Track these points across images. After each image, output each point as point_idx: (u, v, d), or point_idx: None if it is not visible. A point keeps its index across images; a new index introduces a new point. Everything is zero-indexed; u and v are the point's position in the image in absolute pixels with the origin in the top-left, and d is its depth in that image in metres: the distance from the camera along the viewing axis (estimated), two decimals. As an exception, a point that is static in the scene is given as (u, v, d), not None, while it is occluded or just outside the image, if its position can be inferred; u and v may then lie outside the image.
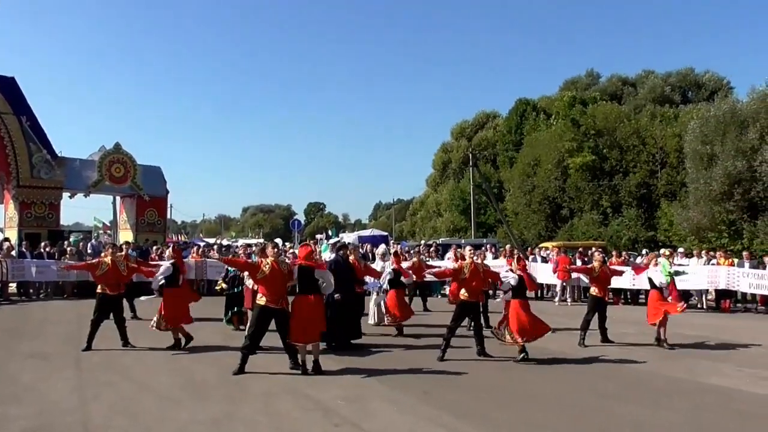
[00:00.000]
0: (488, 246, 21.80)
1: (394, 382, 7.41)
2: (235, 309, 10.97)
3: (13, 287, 16.95)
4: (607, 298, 10.68)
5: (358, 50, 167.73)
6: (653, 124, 34.62)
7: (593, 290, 10.39)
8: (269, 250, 8.22)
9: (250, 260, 9.82)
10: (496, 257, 18.67)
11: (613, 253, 18.39)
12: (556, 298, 17.51)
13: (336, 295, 9.31)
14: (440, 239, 35.25)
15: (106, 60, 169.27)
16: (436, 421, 5.93)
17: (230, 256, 14.58)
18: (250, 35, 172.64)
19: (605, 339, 10.30)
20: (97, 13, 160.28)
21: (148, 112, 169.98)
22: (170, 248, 11.08)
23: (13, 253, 16.92)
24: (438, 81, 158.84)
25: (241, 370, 7.55)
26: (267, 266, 7.74)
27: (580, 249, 19.53)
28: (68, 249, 17.73)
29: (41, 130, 20.64)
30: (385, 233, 39.16)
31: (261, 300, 7.77)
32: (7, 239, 18.68)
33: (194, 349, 9.27)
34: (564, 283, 17.14)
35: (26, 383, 7.12)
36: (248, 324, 8.18)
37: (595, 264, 10.50)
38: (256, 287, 8.13)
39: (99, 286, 9.41)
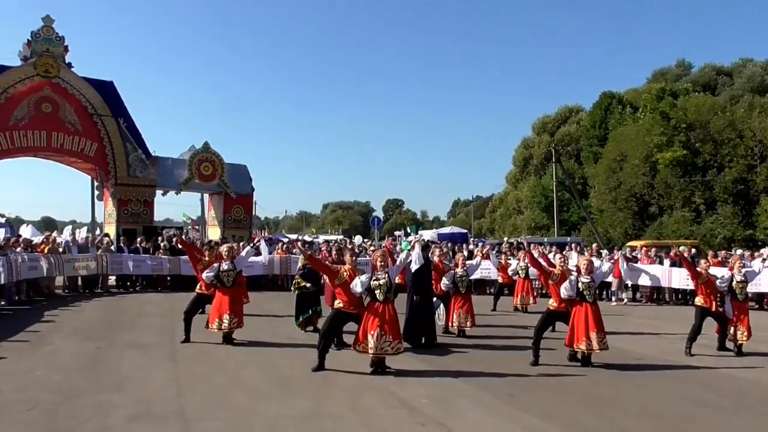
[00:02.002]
0: (573, 245, 21.17)
1: (479, 383, 7.33)
2: (309, 311, 10.57)
3: (112, 280, 18.01)
4: (714, 308, 9.33)
5: (436, 43, 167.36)
6: (751, 115, 32.68)
7: (699, 300, 9.40)
8: (347, 257, 8.42)
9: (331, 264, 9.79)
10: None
11: (709, 252, 17.53)
12: (614, 298, 16.97)
13: (415, 297, 9.34)
14: (521, 237, 34.61)
15: (195, 64, 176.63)
16: (521, 422, 5.82)
17: (310, 253, 14.74)
18: (329, 31, 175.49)
19: (722, 347, 9.53)
20: (189, 19, 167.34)
21: (234, 112, 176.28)
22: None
23: (112, 247, 17.94)
24: (518, 75, 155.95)
25: (320, 367, 7.68)
26: (345, 272, 7.87)
27: (672, 248, 18.69)
28: (161, 244, 18.63)
29: (137, 131, 21.73)
30: (465, 231, 38.91)
31: (338, 304, 7.90)
32: (107, 235, 19.85)
33: (281, 344, 9.51)
34: (620, 282, 16.78)
35: (126, 373, 7.50)
36: (323, 324, 8.29)
37: (702, 269, 9.54)
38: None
39: (198, 285, 9.87)
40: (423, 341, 9.62)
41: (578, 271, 8.46)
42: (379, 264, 7.86)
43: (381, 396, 6.66)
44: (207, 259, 10.05)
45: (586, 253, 18.00)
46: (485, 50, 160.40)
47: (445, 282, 10.53)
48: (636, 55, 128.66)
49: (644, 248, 18.90)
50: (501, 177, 72.86)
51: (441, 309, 10.93)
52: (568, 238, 31.22)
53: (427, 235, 32.95)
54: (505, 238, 30.81)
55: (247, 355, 8.74)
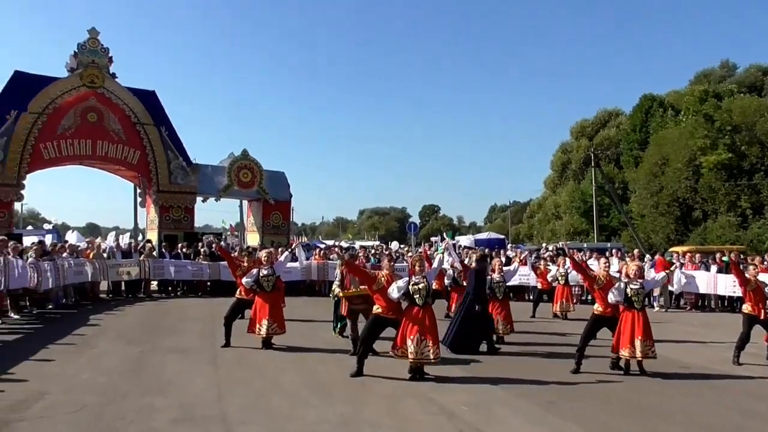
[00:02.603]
0: (614, 250, 20.78)
1: (519, 390, 7.25)
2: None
3: (154, 285, 18.38)
4: (763, 315, 8.94)
5: (472, 45, 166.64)
6: (800, 116, 31.63)
7: (747, 307, 9.10)
8: (385, 263, 8.54)
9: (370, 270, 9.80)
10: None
11: (756, 259, 16.99)
12: (656, 304, 16.63)
13: (477, 306, 9.41)
14: (560, 243, 34.12)
15: (234, 72, 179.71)
16: (562, 431, 5.73)
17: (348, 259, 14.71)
18: (365, 38, 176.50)
19: None
20: (226, 29, 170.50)
21: (271, 120, 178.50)
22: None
23: (154, 253, 18.34)
24: (556, 78, 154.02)
25: (359, 373, 7.71)
26: (383, 278, 7.90)
27: (719, 254, 18.20)
28: (201, 250, 18.95)
29: (178, 139, 22.19)
30: (502, 236, 38.59)
31: (377, 310, 7.93)
32: (149, 241, 20.27)
33: (319, 349, 9.57)
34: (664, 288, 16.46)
35: (169, 377, 7.64)
36: (362, 330, 8.31)
37: (751, 275, 9.22)
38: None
39: (238, 290, 10.02)
40: (484, 348, 9.66)
41: (627, 276, 8.33)
42: (417, 268, 7.86)
43: (419, 402, 6.63)
44: (246, 264, 10.23)
45: (627, 259, 17.71)
46: (523, 53, 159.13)
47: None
48: (678, 57, 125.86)
49: (688, 254, 18.46)
50: (539, 182, 72.13)
51: None
52: (608, 244, 30.64)
53: (464, 240, 32.80)
54: (544, 244, 30.43)
55: (286, 360, 8.81)
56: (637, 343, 7.87)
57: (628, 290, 8.04)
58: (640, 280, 8.18)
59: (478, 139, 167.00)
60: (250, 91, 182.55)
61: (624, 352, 8.00)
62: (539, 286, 15.46)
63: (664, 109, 42.54)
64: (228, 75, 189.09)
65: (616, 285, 8.16)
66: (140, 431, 5.47)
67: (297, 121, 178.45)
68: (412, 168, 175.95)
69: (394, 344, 7.75)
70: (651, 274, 9.53)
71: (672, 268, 11.93)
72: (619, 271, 8.98)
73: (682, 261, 17.56)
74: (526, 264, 15.28)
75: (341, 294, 9.69)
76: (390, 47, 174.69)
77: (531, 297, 16.81)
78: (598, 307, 8.46)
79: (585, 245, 27.83)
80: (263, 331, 9.36)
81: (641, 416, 6.29)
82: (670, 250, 24.19)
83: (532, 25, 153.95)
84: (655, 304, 16.71)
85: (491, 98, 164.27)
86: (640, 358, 7.94)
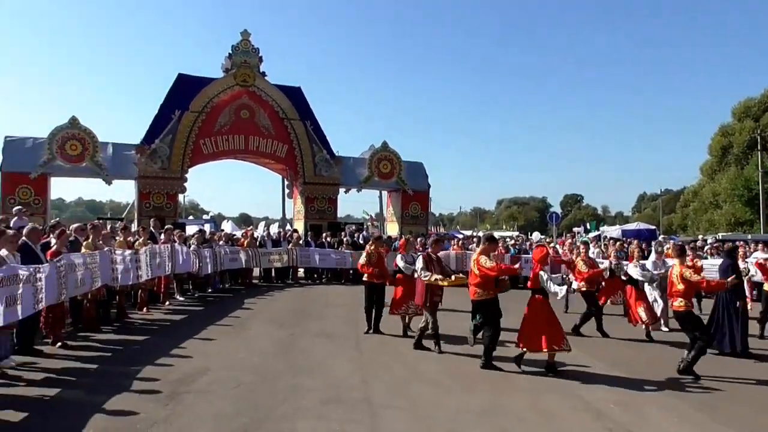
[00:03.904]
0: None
1: (671, 389, 6.81)
2: None
3: (300, 272, 19.35)
4: None
5: (619, 21, 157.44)
6: None
7: None
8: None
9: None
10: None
11: None
12: None
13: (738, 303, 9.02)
14: (719, 234, 31.42)
15: (375, 70, 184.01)
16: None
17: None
18: (499, 23, 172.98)
19: None
20: (361, 25, 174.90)
21: (411, 112, 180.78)
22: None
23: (301, 242, 19.28)
24: (715, 53, 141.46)
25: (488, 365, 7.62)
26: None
27: None
28: (344, 239, 19.64)
29: (322, 133, 23.15)
30: (653, 227, 36.21)
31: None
32: (295, 230, 21.35)
33: (460, 340, 9.51)
34: None
35: (317, 359, 8.01)
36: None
37: None
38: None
39: (365, 276, 10.23)
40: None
41: None
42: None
43: (564, 397, 6.43)
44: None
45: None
46: (678, 22, 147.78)
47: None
48: None
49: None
50: (695, 168, 66.76)
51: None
52: (778, 236, 27.77)
53: (611, 231, 31.18)
54: (700, 236, 28.17)
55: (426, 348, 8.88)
56: None
57: None
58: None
59: (627, 123, 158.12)
60: (391, 88, 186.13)
61: None
62: None
63: None
64: (371, 74, 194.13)
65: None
66: (292, 409, 5.78)
67: (435, 111, 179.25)
68: (555, 155, 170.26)
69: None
70: None
71: None
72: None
73: None
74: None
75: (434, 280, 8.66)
76: (536, 25, 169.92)
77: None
78: None
79: (749, 236, 25.38)
80: (411, 311, 9.62)
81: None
82: None
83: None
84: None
85: (640, 76, 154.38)
86: None
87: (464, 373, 7.40)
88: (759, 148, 36.29)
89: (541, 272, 7.58)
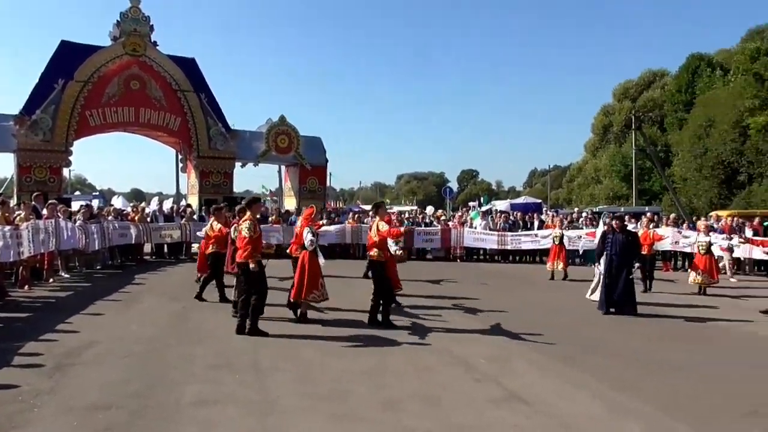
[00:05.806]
0: (649, 214, 20.55)
1: (538, 346, 7.56)
2: None
3: (194, 247, 19.04)
4: None
5: (510, 12, 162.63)
6: None
7: None
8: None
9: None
10: (657, 226, 17.41)
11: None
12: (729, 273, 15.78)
13: None
14: (598, 207, 33.82)
15: (273, 41, 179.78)
16: (577, 383, 6.00)
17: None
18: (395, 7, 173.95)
19: None
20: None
21: (310, 86, 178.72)
22: None
23: (195, 217, 18.99)
24: (598, 38, 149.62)
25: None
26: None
27: (757, 219, 17.90)
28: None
29: (217, 106, 22.64)
30: (539, 200, 38.37)
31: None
32: (189, 205, 20.97)
33: (348, 307, 9.94)
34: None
35: (208, 329, 8.17)
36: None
37: None
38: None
39: (211, 246, 10.41)
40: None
41: None
42: None
43: (439, 354, 7.01)
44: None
45: (662, 224, 17.57)
46: (565, 13, 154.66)
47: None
48: (729, 13, 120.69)
49: (724, 218, 18.18)
50: (580, 146, 71.02)
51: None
52: (646, 208, 30.28)
53: (500, 205, 32.80)
54: (576, 209, 30.18)
55: (314, 315, 9.22)
56: None
57: None
58: None
59: (519, 104, 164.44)
60: (288, 58, 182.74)
61: None
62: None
63: (712, 69, 41.25)
64: (266, 42, 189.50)
65: None
66: (183, 375, 5.94)
67: (334, 85, 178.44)
68: (453, 133, 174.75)
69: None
70: None
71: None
72: None
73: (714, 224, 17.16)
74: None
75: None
76: (427, 10, 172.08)
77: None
78: None
79: (623, 209, 27.55)
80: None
81: (663, 374, 6.47)
82: (711, 213, 23.82)
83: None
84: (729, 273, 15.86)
85: (532, 62, 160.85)
86: None
87: (351, 338, 7.79)
88: (634, 126, 39.05)
89: (306, 229, 8.83)
